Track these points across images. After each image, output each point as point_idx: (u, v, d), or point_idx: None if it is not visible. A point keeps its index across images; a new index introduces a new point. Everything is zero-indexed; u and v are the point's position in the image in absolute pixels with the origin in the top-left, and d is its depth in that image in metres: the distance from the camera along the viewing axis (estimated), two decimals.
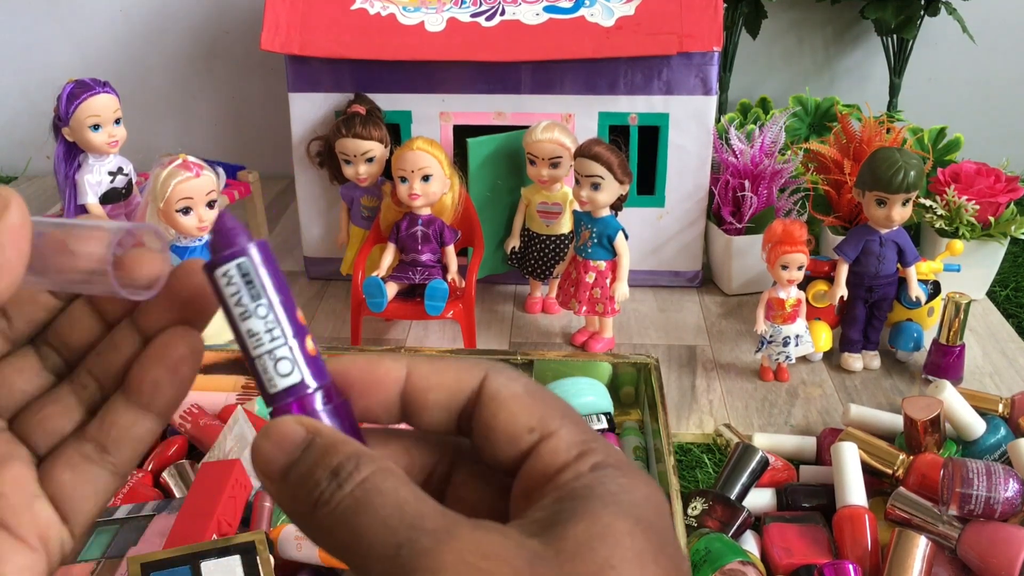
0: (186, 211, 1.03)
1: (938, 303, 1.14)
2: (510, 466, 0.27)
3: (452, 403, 0.27)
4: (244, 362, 0.27)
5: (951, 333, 1.09)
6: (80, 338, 0.30)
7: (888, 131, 1.33)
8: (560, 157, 1.18)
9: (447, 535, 0.23)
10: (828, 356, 1.18)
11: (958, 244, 1.15)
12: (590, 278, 1.15)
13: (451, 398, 0.27)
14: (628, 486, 0.25)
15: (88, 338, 0.30)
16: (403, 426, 0.29)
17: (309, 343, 0.27)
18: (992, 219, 1.25)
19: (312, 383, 0.27)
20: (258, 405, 0.99)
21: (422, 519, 0.23)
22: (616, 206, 1.15)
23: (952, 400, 0.93)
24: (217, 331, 1.05)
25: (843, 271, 1.12)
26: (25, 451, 0.28)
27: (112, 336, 0.29)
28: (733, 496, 0.86)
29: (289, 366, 0.27)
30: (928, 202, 1.27)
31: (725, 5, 1.47)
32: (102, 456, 0.28)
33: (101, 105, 1.12)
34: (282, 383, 0.27)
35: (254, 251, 0.27)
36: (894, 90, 1.68)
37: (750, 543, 0.83)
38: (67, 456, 0.28)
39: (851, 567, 0.76)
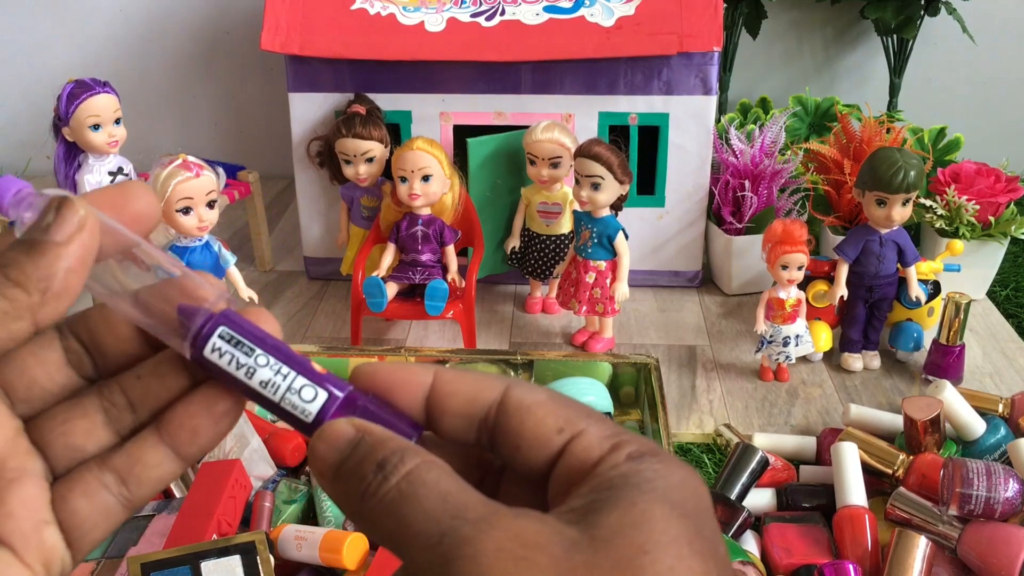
0: (186, 211, 1.03)
1: (938, 303, 1.14)
2: (542, 470, 0.27)
3: (472, 411, 0.28)
4: (273, 414, 0.28)
5: (951, 333, 1.09)
6: (117, 346, 0.29)
7: (888, 131, 1.33)
8: (560, 157, 1.18)
9: (487, 524, 0.23)
10: (828, 356, 1.18)
11: (958, 244, 1.15)
12: (590, 278, 1.15)
13: (471, 405, 0.28)
14: (663, 472, 0.25)
15: (126, 349, 0.29)
16: None
17: (315, 365, 0.28)
18: (992, 219, 1.25)
19: (339, 392, 0.28)
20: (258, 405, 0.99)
21: (464, 509, 0.24)
22: (616, 206, 1.15)
23: (952, 400, 0.93)
24: None
25: (843, 271, 1.12)
26: (41, 465, 0.27)
27: (158, 364, 0.29)
28: (733, 496, 0.86)
29: (312, 391, 0.27)
30: (928, 202, 1.27)
31: (725, 5, 1.47)
32: (120, 488, 0.28)
33: (101, 105, 1.12)
34: (314, 407, 0.27)
35: (223, 313, 0.27)
36: (894, 90, 1.68)
37: (750, 543, 0.83)
38: (85, 482, 0.28)
39: (851, 567, 0.76)
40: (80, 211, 0.26)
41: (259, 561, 0.70)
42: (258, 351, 0.27)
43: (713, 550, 0.24)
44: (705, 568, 0.24)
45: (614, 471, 0.25)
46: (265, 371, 0.27)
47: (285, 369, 0.27)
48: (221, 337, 0.27)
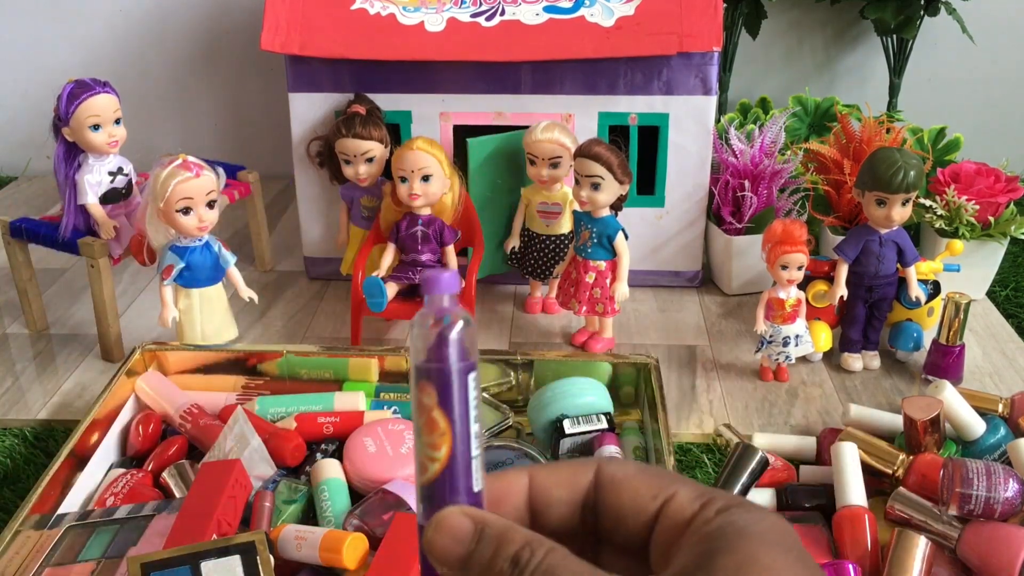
0: (186, 211, 1.03)
1: (938, 303, 1.14)
2: (642, 537, 0.29)
3: (574, 497, 0.30)
4: (442, 463, 0.29)
5: (951, 333, 1.09)
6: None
7: (888, 131, 1.33)
8: (560, 157, 1.18)
9: None
10: (828, 356, 1.18)
11: (958, 244, 1.15)
12: (590, 278, 1.15)
13: (572, 492, 0.30)
14: (754, 519, 0.27)
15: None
16: None
17: None
18: (992, 219, 1.25)
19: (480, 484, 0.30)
20: (258, 405, 0.99)
21: None
22: (616, 206, 1.15)
23: (952, 400, 0.93)
24: (216, 330, 1.06)
25: (843, 271, 1.12)
26: None
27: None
28: None
29: (481, 470, 0.29)
30: (928, 202, 1.27)
31: (725, 5, 1.47)
32: None
33: (101, 105, 1.12)
34: (479, 484, 0.29)
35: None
36: (894, 90, 1.68)
37: None
38: None
39: (851, 567, 0.76)
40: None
41: (259, 561, 0.70)
42: (478, 407, 0.30)
43: (819, 573, 0.27)
44: None
45: (708, 526, 0.27)
46: (477, 425, 0.29)
47: (478, 439, 0.29)
48: (476, 378, 0.29)
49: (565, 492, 0.30)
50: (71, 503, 0.87)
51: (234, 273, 1.12)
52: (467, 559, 0.28)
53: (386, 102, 1.27)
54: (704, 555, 0.26)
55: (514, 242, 1.28)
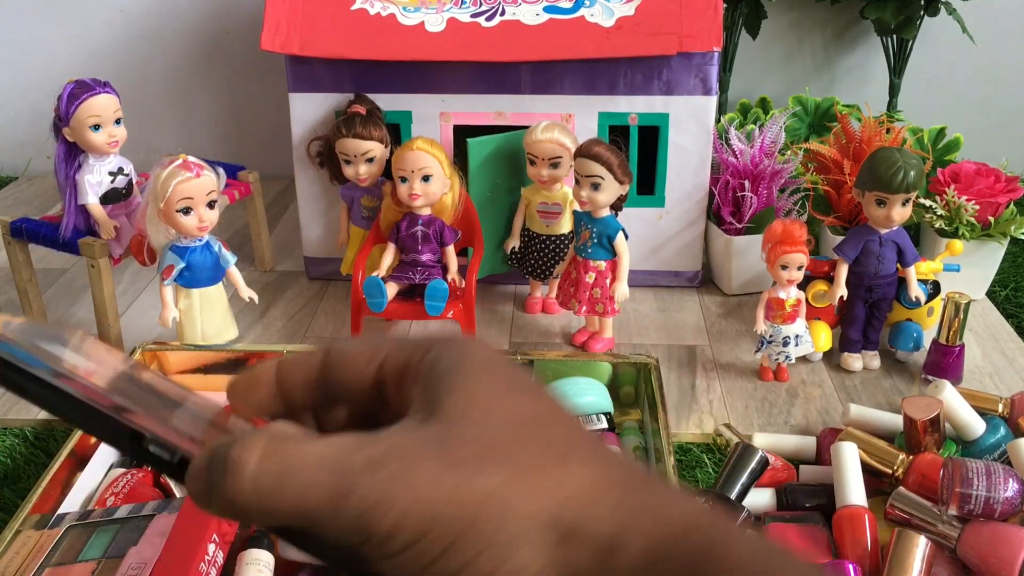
0: (186, 211, 1.03)
1: (938, 303, 1.14)
2: (374, 399, 0.31)
3: (308, 377, 0.32)
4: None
5: (951, 333, 1.09)
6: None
7: (888, 131, 1.33)
8: (560, 157, 1.18)
9: (370, 466, 0.26)
10: (828, 356, 1.18)
11: (958, 244, 1.15)
12: (590, 278, 1.15)
13: (307, 373, 0.32)
14: (457, 355, 0.29)
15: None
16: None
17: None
18: (992, 219, 1.25)
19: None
20: None
21: (339, 461, 0.26)
22: (616, 206, 1.15)
23: (952, 400, 0.93)
24: (216, 330, 1.07)
25: (843, 271, 1.12)
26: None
27: None
28: (733, 496, 0.86)
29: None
30: (928, 202, 1.27)
31: (725, 5, 1.47)
32: None
33: (101, 105, 1.12)
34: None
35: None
36: (894, 90, 1.68)
37: None
38: None
39: (851, 567, 0.76)
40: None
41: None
42: None
43: (533, 388, 0.29)
44: (534, 405, 0.28)
45: (420, 375, 0.29)
46: None
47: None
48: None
49: (300, 374, 0.31)
50: (71, 503, 0.88)
51: (234, 273, 1.12)
52: (208, 492, 0.27)
53: (386, 102, 1.27)
54: (427, 405, 0.28)
55: (514, 242, 1.29)
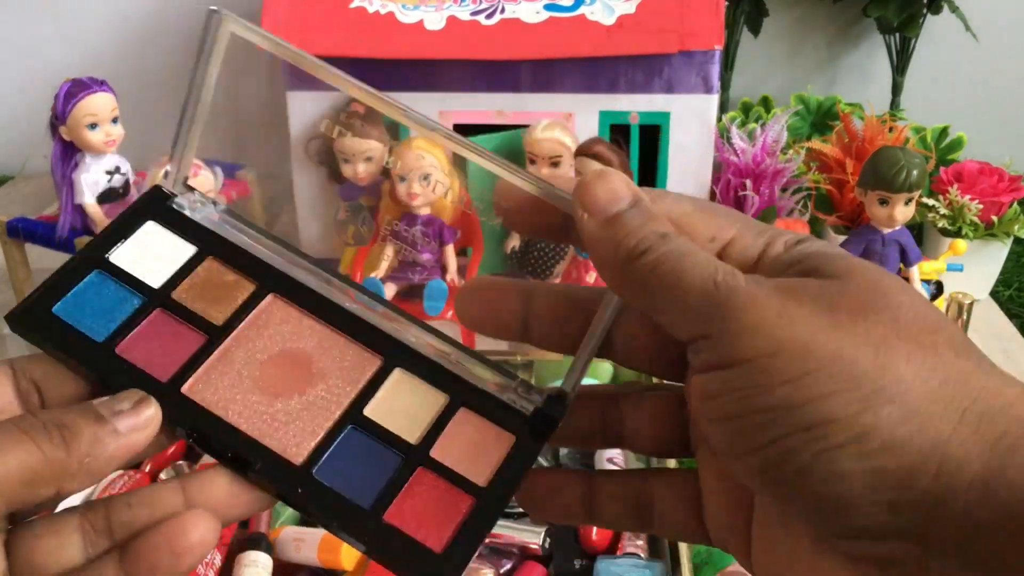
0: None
1: (941, 303, 1.13)
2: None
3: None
4: None
5: None
6: (60, 397, 0.31)
7: (891, 130, 1.32)
8: (560, 156, 1.18)
9: (752, 279, 0.26)
10: None
11: (961, 244, 1.15)
12: (591, 278, 1.15)
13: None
14: (834, 251, 0.28)
15: (70, 398, 0.31)
16: None
17: None
18: (995, 219, 1.24)
19: None
20: None
21: (729, 268, 0.27)
22: None
23: None
24: None
25: None
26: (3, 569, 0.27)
27: (154, 494, 0.29)
28: None
29: None
30: (931, 201, 1.26)
31: (726, 3, 1.46)
32: None
33: (98, 104, 1.11)
34: None
35: None
36: (896, 89, 1.67)
37: None
38: None
39: None
40: (152, 412, 0.27)
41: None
42: None
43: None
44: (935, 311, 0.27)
45: (785, 262, 0.28)
46: None
47: None
48: None
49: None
50: (70, 503, 0.87)
51: None
52: (616, 218, 0.28)
53: None
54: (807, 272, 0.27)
55: (514, 242, 1.28)
